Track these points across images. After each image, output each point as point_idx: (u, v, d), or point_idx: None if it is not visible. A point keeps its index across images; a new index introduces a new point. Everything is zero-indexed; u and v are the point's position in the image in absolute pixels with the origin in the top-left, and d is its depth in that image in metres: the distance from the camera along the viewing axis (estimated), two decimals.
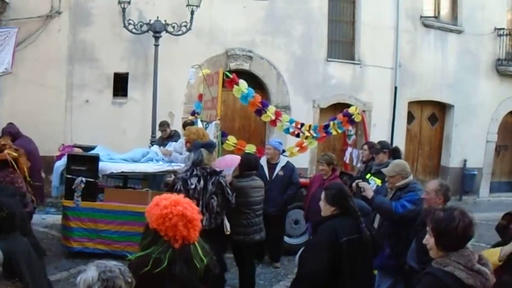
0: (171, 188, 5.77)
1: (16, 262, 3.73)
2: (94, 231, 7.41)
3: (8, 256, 3.61)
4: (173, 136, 9.58)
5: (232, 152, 8.72)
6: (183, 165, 6.89)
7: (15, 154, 6.18)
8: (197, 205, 4.08)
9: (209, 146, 5.96)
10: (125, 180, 8.58)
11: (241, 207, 6.04)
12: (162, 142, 9.44)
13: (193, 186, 5.53)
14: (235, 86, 8.48)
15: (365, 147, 8.31)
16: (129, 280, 2.54)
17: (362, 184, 5.77)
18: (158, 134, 10.40)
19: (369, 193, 5.52)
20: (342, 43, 13.40)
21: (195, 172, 5.65)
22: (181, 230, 3.05)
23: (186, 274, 3.03)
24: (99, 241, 7.42)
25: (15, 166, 5.92)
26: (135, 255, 3.17)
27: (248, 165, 6.38)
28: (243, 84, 8.50)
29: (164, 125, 9.92)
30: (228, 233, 5.83)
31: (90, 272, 2.47)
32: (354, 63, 13.21)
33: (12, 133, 7.55)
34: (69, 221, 7.41)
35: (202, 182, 5.59)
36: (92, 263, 2.56)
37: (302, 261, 4.27)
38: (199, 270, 3.11)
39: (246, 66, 12.06)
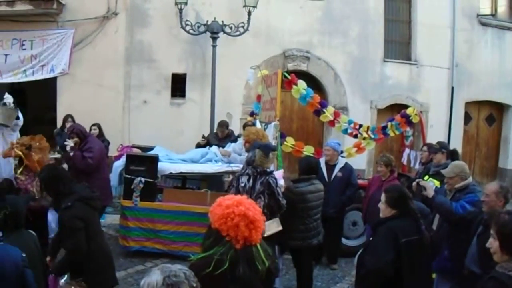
0: (228, 188, 6.00)
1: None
2: (152, 231, 7.47)
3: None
4: (230, 136, 9.52)
5: (290, 154, 8.79)
6: (241, 165, 6.79)
7: (20, 153, 6.69)
8: None
9: (266, 148, 5.90)
10: (183, 180, 8.61)
11: (299, 212, 5.95)
12: (219, 141, 9.38)
13: (242, 184, 5.61)
14: (293, 86, 8.43)
15: (424, 148, 8.28)
16: (194, 285, 2.50)
17: (423, 183, 5.67)
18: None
19: (430, 193, 5.43)
20: (399, 43, 13.28)
21: (246, 171, 5.72)
22: (243, 231, 3.04)
23: (247, 275, 3.01)
24: (157, 241, 7.47)
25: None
26: (197, 256, 3.17)
27: (308, 168, 6.26)
28: (302, 84, 8.45)
29: (223, 125, 9.77)
30: (265, 235, 5.86)
31: (155, 276, 2.44)
32: (410, 63, 13.09)
33: (83, 132, 7.45)
34: (128, 221, 7.46)
35: (251, 181, 5.63)
36: (157, 266, 2.54)
37: (362, 262, 4.28)
38: (261, 272, 3.08)
39: (303, 66, 12.04)
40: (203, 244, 3.22)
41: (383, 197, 4.31)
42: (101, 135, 9.70)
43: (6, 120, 6.98)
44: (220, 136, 9.50)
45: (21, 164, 6.89)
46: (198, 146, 9.38)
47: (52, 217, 6.16)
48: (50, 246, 4.84)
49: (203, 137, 9.65)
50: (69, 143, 7.22)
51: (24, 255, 3.68)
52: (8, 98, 6.99)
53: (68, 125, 9.86)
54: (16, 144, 6.87)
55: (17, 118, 7.10)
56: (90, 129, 9.50)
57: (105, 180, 7.53)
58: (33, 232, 4.28)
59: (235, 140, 8.92)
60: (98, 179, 7.04)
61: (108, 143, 9.78)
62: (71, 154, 7.06)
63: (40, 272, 4.09)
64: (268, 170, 5.82)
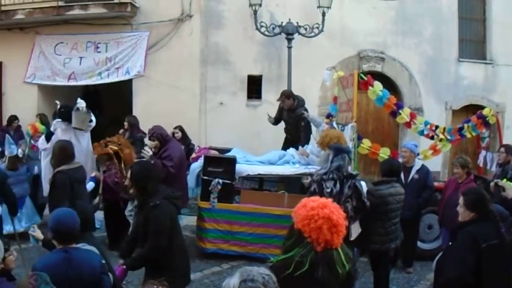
0: (306, 190, 5.97)
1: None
2: (229, 232, 7.55)
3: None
4: (297, 108, 9.16)
5: (365, 156, 8.78)
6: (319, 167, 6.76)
7: (116, 148, 7.64)
8: None
9: (349, 152, 6.05)
10: (260, 182, 8.68)
11: (379, 214, 5.88)
12: (287, 113, 9.21)
13: (328, 190, 5.55)
14: (370, 88, 8.38)
15: (502, 149, 8.24)
16: None
17: (502, 183, 5.70)
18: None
19: (510, 193, 5.42)
20: (473, 42, 13.10)
21: (331, 176, 5.65)
22: (325, 234, 3.05)
23: (327, 279, 3.02)
24: (234, 242, 7.55)
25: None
26: (277, 257, 3.19)
27: (389, 171, 6.19)
28: (378, 85, 8.41)
29: (283, 95, 9.43)
30: (351, 239, 5.58)
31: (233, 279, 2.47)
32: (486, 63, 12.87)
33: (163, 136, 7.43)
34: (205, 222, 7.57)
35: (338, 185, 5.61)
36: (239, 269, 2.56)
37: (441, 268, 4.22)
38: (341, 276, 3.08)
39: (378, 67, 11.96)
40: (284, 244, 3.26)
41: (461, 200, 4.23)
42: (185, 137, 9.75)
43: (80, 124, 7.36)
44: (283, 107, 9.28)
45: (109, 160, 7.74)
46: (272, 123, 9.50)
47: None
48: (123, 245, 4.93)
49: (269, 116, 9.60)
50: (149, 148, 7.31)
51: (104, 261, 3.79)
52: (81, 103, 7.24)
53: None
54: (107, 142, 7.66)
55: (90, 121, 7.38)
56: (173, 133, 9.47)
57: (183, 183, 7.50)
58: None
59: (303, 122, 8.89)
60: (176, 182, 6.99)
61: (194, 145, 9.83)
62: (151, 162, 6.96)
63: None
64: (354, 173, 5.88)
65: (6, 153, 8.36)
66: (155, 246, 4.41)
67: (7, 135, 9.19)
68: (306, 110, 8.88)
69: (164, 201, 4.52)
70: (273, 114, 9.91)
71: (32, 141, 9.44)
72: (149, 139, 7.37)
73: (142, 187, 4.58)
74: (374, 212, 5.83)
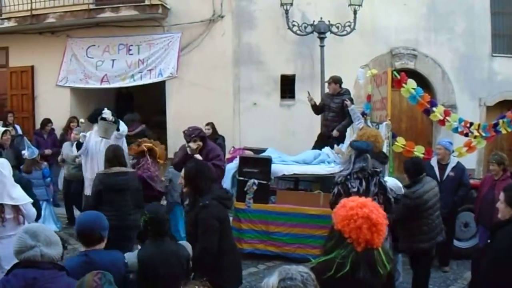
0: (336, 197, 5.82)
1: (151, 267, 4.08)
2: (265, 233, 7.65)
3: (144, 262, 4.07)
4: (343, 94, 9.43)
5: (400, 154, 8.84)
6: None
7: (150, 145, 7.89)
8: None
9: (369, 151, 6.02)
10: (296, 182, 8.67)
11: (420, 213, 5.94)
12: (331, 98, 9.45)
13: (355, 190, 5.59)
14: (403, 85, 8.46)
15: None
16: None
17: None
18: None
19: None
20: (507, 37, 13.03)
21: (356, 175, 5.72)
22: (365, 233, 3.07)
23: (369, 279, 3.03)
24: (270, 243, 7.65)
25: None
26: (318, 259, 3.21)
27: (416, 170, 6.18)
28: (411, 83, 8.47)
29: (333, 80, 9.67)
30: None
31: (272, 277, 2.51)
32: None
33: (205, 136, 7.56)
34: (241, 223, 7.66)
35: (364, 184, 5.68)
36: (279, 267, 2.60)
37: (479, 267, 4.14)
38: (382, 276, 3.11)
39: (411, 65, 12.00)
40: (325, 246, 3.28)
41: (502, 196, 4.13)
42: (214, 133, 10.17)
43: (104, 133, 7.42)
44: (330, 92, 9.49)
45: (142, 156, 7.88)
46: (314, 106, 9.62)
47: None
48: None
49: (309, 93, 9.68)
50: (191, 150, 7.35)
51: (126, 261, 3.98)
52: (107, 113, 7.34)
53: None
54: (139, 142, 7.97)
55: (118, 129, 7.44)
56: (204, 129, 9.76)
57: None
58: (184, 244, 4.55)
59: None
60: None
61: (223, 139, 10.25)
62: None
63: (174, 284, 4.19)
64: (378, 170, 5.90)
65: (26, 155, 8.62)
66: (205, 247, 4.49)
67: (24, 138, 9.56)
68: (351, 100, 9.10)
69: (213, 202, 4.59)
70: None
71: None
72: (191, 140, 7.29)
73: (195, 185, 4.72)
74: (415, 212, 5.92)
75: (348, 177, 5.75)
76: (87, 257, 3.72)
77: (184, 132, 7.50)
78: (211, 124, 10.36)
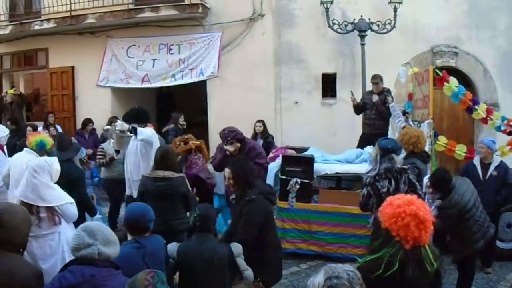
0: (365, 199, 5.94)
1: (188, 260, 4.24)
2: (308, 232, 7.67)
3: (181, 255, 4.24)
4: (384, 92, 9.80)
5: (442, 153, 8.81)
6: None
7: (197, 142, 8.31)
8: None
9: (397, 149, 6.02)
10: (338, 181, 8.71)
11: (464, 216, 5.93)
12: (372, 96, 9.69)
13: (385, 189, 5.56)
14: (445, 84, 8.48)
15: None
16: (357, 287, 2.58)
17: None
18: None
19: None
20: None
21: (384, 175, 5.67)
22: (413, 231, 3.11)
23: (417, 277, 3.09)
24: (312, 242, 7.67)
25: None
26: (365, 258, 3.28)
27: (445, 182, 6.11)
28: (453, 81, 8.48)
29: (377, 77, 9.97)
30: None
31: (318, 276, 2.58)
32: None
33: (240, 135, 7.65)
34: (283, 222, 7.67)
35: (393, 183, 5.61)
36: (324, 266, 2.67)
37: None
38: (430, 274, 3.17)
39: (452, 62, 11.99)
40: (371, 245, 3.43)
41: None
42: (265, 131, 10.47)
43: (120, 146, 7.65)
44: (375, 91, 9.70)
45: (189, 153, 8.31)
46: (356, 106, 9.91)
47: None
48: (223, 237, 5.16)
49: (352, 94, 9.99)
50: (229, 153, 7.46)
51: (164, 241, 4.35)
52: (119, 125, 7.44)
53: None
54: (185, 140, 8.44)
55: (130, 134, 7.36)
56: (255, 125, 10.44)
57: None
58: (225, 246, 4.53)
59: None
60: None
61: (272, 138, 10.51)
62: None
63: (212, 281, 4.32)
64: (405, 167, 5.86)
65: None
66: (243, 239, 4.61)
67: (71, 138, 9.78)
68: (392, 98, 9.33)
69: (259, 196, 4.74)
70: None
71: None
72: (228, 143, 7.40)
73: (241, 181, 4.86)
74: (459, 218, 5.92)
75: (377, 177, 5.73)
76: (138, 243, 4.06)
77: (220, 134, 7.60)
78: (262, 122, 10.64)
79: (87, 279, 3.08)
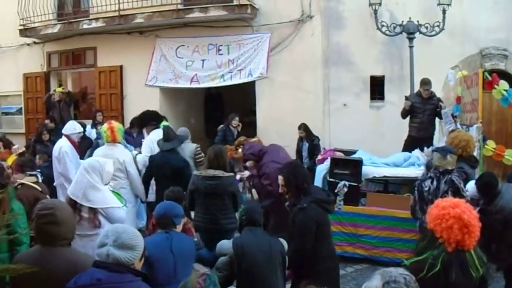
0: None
1: (248, 252, 4.40)
2: (354, 235, 7.81)
3: (240, 249, 4.41)
4: (433, 97, 9.93)
5: (490, 158, 8.88)
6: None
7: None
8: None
9: (443, 150, 6.36)
10: (385, 184, 8.86)
11: (509, 222, 5.89)
12: (422, 102, 9.85)
13: (426, 188, 5.99)
14: (494, 87, 8.63)
15: None
16: None
17: None
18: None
19: None
20: None
21: (429, 175, 6.14)
22: (456, 234, 3.19)
23: (461, 281, 3.13)
24: (359, 245, 7.81)
25: None
26: (410, 260, 3.36)
27: (491, 188, 6.11)
28: (503, 85, 8.61)
29: (426, 83, 10.04)
30: None
31: (375, 281, 2.59)
32: None
33: (255, 153, 7.92)
34: (331, 224, 8.07)
35: (435, 182, 6.01)
36: (378, 271, 2.68)
37: None
38: (475, 279, 3.20)
39: (501, 65, 12.05)
40: (417, 246, 3.46)
41: None
42: (308, 135, 10.86)
43: None
44: (423, 96, 9.84)
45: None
46: (407, 111, 9.96)
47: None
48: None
49: (406, 98, 10.11)
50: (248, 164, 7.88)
51: (196, 239, 4.96)
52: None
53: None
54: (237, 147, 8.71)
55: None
56: (298, 131, 10.82)
57: None
58: (282, 241, 4.79)
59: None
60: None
61: (318, 140, 10.85)
62: (252, 182, 7.51)
63: (271, 273, 4.53)
64: (449, 168, 6.11)
65: None
66: (297, 249, 4.73)
67: None
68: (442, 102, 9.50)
69: (311, 205, 4.77)
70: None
71: None
72: (247, 159, 7.95)
73: (294, 187, 4.96)
74: (506, 223, 5.89)
75: (421, 177, 6.22)
76: (168, 234, 4.54)
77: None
78: (303, 126, 11.00)
79: (94, 283, 3.05)
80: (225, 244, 4.68)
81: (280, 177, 5.10)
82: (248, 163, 7.68)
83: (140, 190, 7.77)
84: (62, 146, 8.45)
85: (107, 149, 7.68)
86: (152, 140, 8.53)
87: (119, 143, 7.80)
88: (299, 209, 4.80)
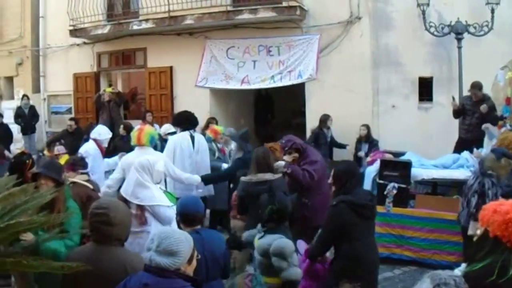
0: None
1: (284, 252, 4.43)
2: (403, 237, 7.92)
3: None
4: (484, 101, 10.16)
5: None
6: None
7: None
8: None
9: (497, 152, 6.54)
10: (434, 186, 8.84)
11: None
12: (472, 105, 10.13)
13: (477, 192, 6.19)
14: None
15: None
16: None
17: None
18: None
19: None
20: None
21: (477, 179, 6.31)
22: None
23: None
24: (407, 247, 7.91)
25: None
26: (471, 267, 3.33)
27: None
28: None
29: (476, 86, 10.37)
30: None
31: (425, 284, 2.63)
32: None
33: (303, 146, 7.41)
34: (379, 226, 7.45)
35: (473, 179, 6.36)
36: (428, 273, 2.73)
37: None
38: None
39: None
40: (474, 256, 3.38)
41: None
42: (369, 135, 11.43)
43: None
44: (474, 99, 10.17)
45: None
46: (456, 111, 10.28)
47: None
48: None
49: (453, 99, 10.44)
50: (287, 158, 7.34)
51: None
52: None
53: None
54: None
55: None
56: (360, 129, 11.46)
57: (325, 196, 6.86)
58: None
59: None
60: (318, 195, 6.92)
61: (377, 142, 11.36)
62: (289, 171, 6.94)
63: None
64: (489, 172, 6.30)
65: None
66: (317, 242, 5.06)
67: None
68: (494, 107, 9.97)
69: (341, 204, 4.90)
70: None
71: (219, 144, 9.97)
72: (286, 152, 7.25)
73: (340, 183, 5.11)
74: None
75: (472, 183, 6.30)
76: (198, 234, 4.28)
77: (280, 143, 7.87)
78: (366, 126, 11.64)
79: (141, 287, 3.11)
80: (286, 243, 4.72)
81: (333, 170, 5.26)
82: (287, 157, 7.10)
83: (185, 178, 7.74)
84: (89, 149, 8.63)
85: (138, 153, 7.53)
86: (174, 141, 8.63)
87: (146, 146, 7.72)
88: (330, 205, 5.05)
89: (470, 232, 5.91)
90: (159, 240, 3.15)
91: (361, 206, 4.94)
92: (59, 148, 9.53)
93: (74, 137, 12.40)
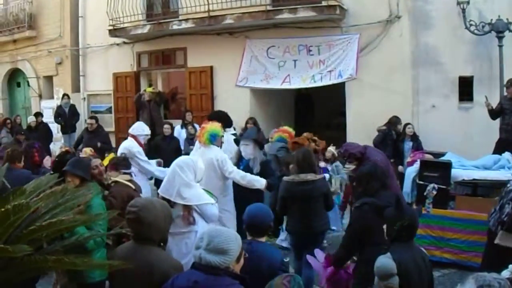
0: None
1: (405, 272, 4.13)
2: (442, 239, 7.99)
3: (400, 266, 4.10)
4: None
5: None
6: None
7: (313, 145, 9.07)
8: None
9: None
10: (474, 187, 8.86)
11: None
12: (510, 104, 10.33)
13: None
14: None
15: None
16: None
17: None
18: None
19: None
20: None
21: None
22: None
23: None
24: (446, 249, 7.98)
25: None
26: None
27: None
28: None
29: None
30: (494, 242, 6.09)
31: (468, 285, 2.69)
32: None
33: (361, 152, 7.76)
34: (418, 228, 7.13)
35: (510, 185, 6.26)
36: (472, 275, 2.78)
37: None
38: None
39: None
40: None
41: None
42: (415, 134, 11.77)
43: None
44: (509, 96, 10.41)
45: None
46: (491, 111, 10.57)
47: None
48: None
49: (486, 98, 10.68)
50: (350, 167, 7.92)
51: (287, 259, 4.38)
52: None
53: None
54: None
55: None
56: (406, 127, 11.83)
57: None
58: (423, 250, 4.78)
59: None
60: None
61: (420, 142, 11.67)
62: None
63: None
64: None
65: None
66: (342, 246, 5.20)
67: None
68: None
69: (364, 206, 5.06)
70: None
71: None
72: (347, 161, 7.90)
73: (364, 184, 5.29)
74: None
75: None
76: (249, 246, 4.19)
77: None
78: (411, 125, 11.95)
79: (190, 285, 3.24)
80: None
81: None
82: (349, 166, 7.71)
83: (248, 180, 7.71)
84: (133, 147, 8.80)
85: (202, 151, 7.75)
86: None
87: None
88: (355, 207, 5.27)
89: (498, 241, 6.02)
90: (209, 239, 3.27)
91: (381, 207, 4.89)
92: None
93: (95, 136, 13.06)
